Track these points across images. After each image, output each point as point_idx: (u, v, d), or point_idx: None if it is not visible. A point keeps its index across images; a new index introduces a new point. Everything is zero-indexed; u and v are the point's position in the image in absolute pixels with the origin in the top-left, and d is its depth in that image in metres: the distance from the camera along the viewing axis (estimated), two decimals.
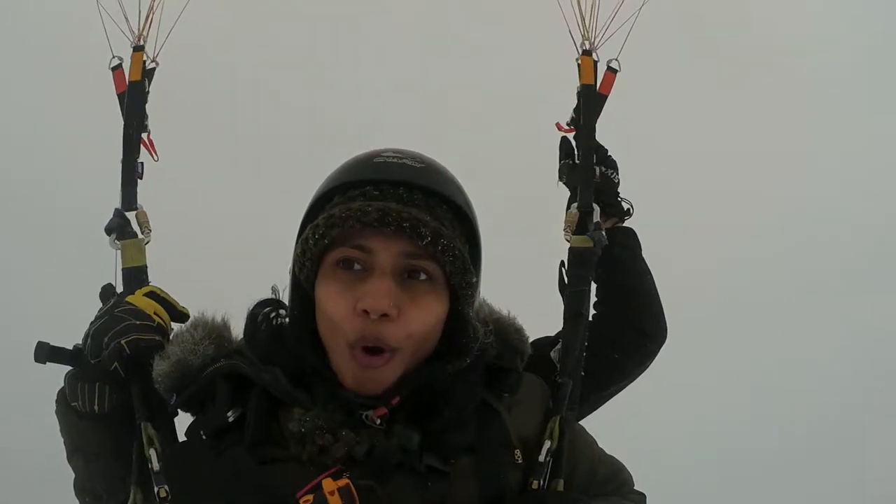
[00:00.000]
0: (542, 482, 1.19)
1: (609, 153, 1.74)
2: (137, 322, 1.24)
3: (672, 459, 3.71)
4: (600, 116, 1.70)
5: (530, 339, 1.32)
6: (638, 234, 1.72)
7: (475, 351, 1.18)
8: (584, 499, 1.23)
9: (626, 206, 1.71)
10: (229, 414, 1.13)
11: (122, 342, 1.21)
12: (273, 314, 1.22)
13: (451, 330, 1.17)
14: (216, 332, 1.22)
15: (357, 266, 1.10)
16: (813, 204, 4.09)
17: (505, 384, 1.23)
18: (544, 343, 1.52)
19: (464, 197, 1.19)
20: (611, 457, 1.37)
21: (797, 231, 4.07)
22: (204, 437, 1.13)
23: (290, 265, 1.19)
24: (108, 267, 1.57)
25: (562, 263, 1.56)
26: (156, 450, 1.16)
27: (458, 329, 1.17)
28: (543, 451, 1.21)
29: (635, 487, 1.37)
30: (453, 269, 1.11)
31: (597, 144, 1.71)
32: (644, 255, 1.71)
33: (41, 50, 3.59)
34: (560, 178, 1.74)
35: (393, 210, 1.07)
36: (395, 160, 1.14)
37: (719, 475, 3.95)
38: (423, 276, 1.11)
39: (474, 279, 1.15)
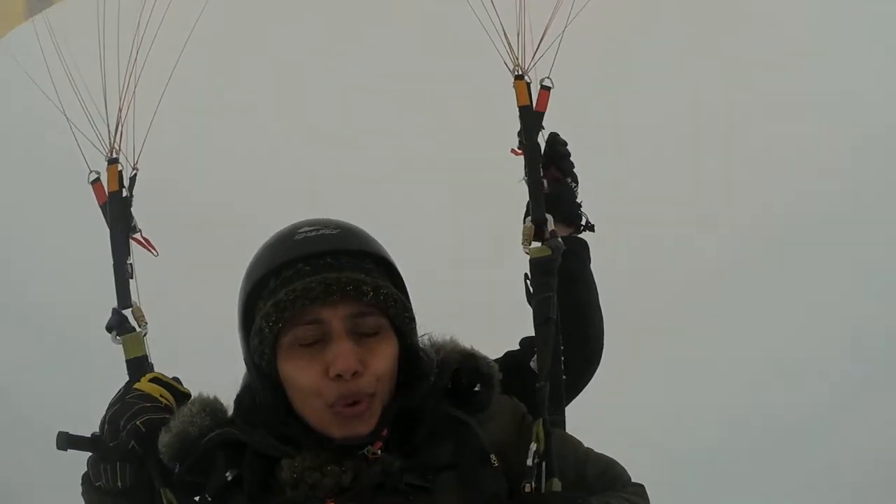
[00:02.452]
0: (533, 484, 1.26)
1: (574, 167, 1.81)
2: (148, 404, 1.40)
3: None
4: (567, 133, 1.79)
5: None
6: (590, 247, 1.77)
7: (434, 371, 1.31)
8: (584, 496, 1.28)
9: (586, 220, 1.77)
10: (227, 474, 1.26)
11: (138, 423, 1.36)
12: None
13: (406, 361, 1.30)
14: (210, 405, 1.36)
15: (314, 339, 1.23)
16: None
17: (475, 402, 1.34)
18: (514, 354, 1.59)
19: (381, 247, 1.34)
20: (600, 454, 1.43)
21: None
22: (209, 498, 1.26)
23: (244, 356, 1.33)
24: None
25: (526, 276, 1.62)
26: None
27: (412, 359, 1.32)
28: (531, 455, 1.29)
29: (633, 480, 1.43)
30: (395, 311, 1.26)
31: (566, 153, 1.79)
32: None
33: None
34: (524, 178, 1.78)
35: (333, 280, 1.21)
36: (313, 233, 1.28)
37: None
38: (372, 330, 1.25)
39: (412, 314, 1.31)
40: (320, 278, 1.21)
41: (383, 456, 1.24)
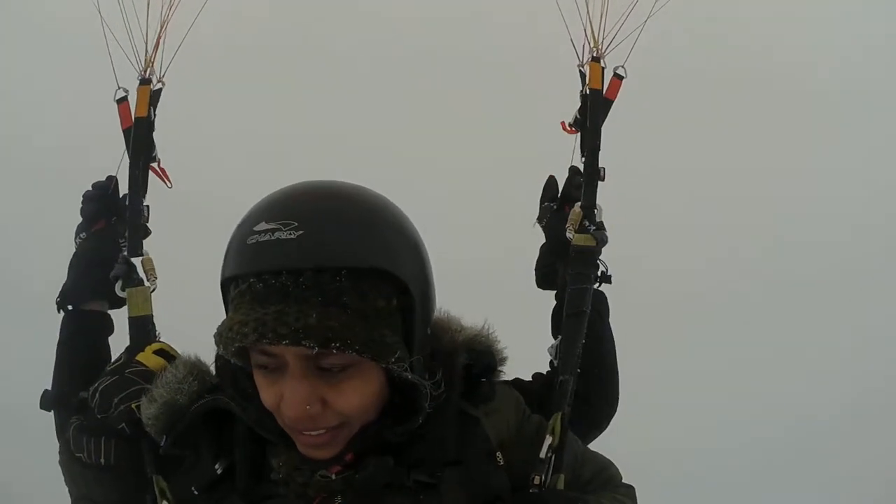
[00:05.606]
0: (543, 477, 1.23)
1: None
2: (148, 385, 1.22)
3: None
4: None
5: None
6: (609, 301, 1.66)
7: (428, 408, 1.11)
8: (583, 497, 1.26)
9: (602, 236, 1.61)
10: (217, 467, 1.14)
11: (133, 406, 1.22)
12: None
13: (396, 385, 1.10)
14: (196, 368, 1.20)
15: (272, 366, 1.04)
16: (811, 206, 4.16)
17: (481, 394, 1.24)
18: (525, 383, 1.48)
19: (371, 242, 1.03)
20: (595, 454, 1.42)
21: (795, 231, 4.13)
22: (196, 492, 1.14)
23: None
24: None
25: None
26: (168, 500, 1.16)
27: (404, 385, 1.09)
28: (545, 448, 1.27)
29: (624, 480, 1.41)
30: (368, 355, 1.00)
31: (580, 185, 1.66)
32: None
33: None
34: (539, 221, 1.72)
35: (269, 323, 0.97)
36: (267, 237, 1.00)
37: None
38: (339, 366, 1.02)
39: (398, 353, 1.03)
40: (257, 319, 0.97)
41: (373, 458, 1.10)
